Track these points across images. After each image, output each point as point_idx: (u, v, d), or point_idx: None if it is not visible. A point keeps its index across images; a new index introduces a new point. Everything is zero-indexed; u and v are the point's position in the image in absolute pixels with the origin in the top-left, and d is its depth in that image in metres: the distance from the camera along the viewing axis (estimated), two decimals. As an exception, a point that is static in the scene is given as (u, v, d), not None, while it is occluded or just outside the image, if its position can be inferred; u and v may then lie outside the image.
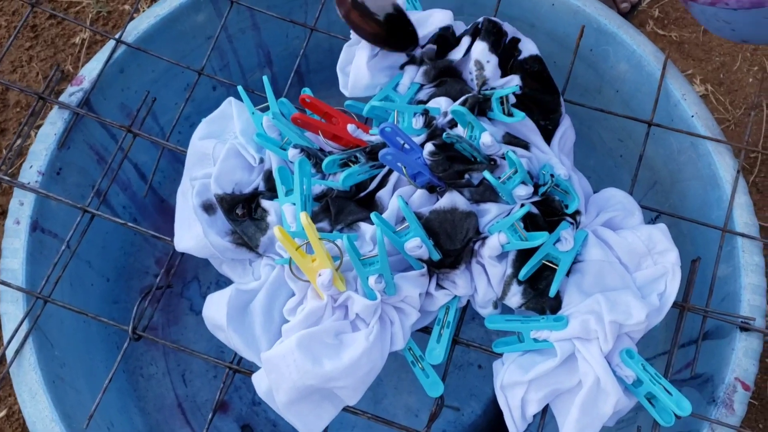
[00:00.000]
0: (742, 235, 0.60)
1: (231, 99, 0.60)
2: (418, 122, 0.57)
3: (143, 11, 0.77)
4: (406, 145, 0.52)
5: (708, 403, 0.56)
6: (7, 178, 0.58)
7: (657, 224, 0.55)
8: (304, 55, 0.85)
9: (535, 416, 0.53)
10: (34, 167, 0.60)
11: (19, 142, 0.60)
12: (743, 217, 0.61)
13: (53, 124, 0.62)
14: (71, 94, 0.63)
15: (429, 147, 0.52)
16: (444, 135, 0.53)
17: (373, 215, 0.50)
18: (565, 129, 0.61)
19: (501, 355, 0.54)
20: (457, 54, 0.61)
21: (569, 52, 0.71)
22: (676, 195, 0.70)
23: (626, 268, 0.55)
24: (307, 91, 0.60)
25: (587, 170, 0.63)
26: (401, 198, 0.51)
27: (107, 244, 0.74)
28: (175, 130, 0.77)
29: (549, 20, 0.73)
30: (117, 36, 0.65)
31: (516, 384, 0.52)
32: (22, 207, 0.58)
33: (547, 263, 0.53)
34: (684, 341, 0.63)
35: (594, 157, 0.81)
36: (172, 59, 0.65)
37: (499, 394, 0.53)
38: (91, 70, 0.64)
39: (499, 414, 0.84)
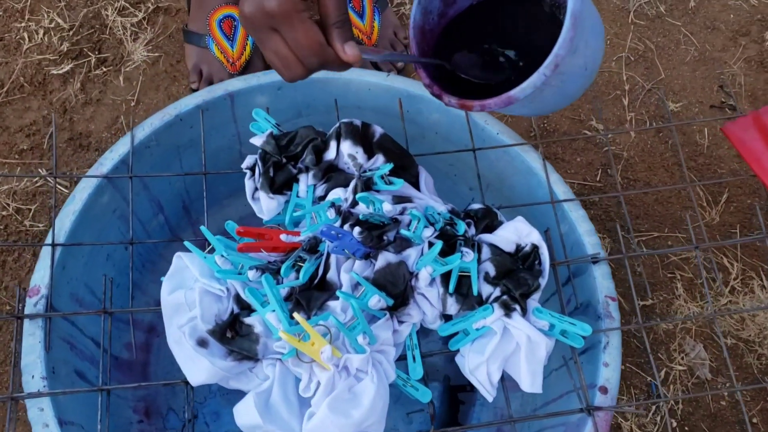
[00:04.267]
0: (565, 200, 0.80)
1: (179, 254, 0.69)
2: (331, 213, 0.70)
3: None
4: (339, 234, 0.65)
5: (596, 320, 0.75)
6: (22, 394, 0.62)
7: (516, 218, 0.73)
8: (185, 191, 0.94)
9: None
10: (35, 376, 0.65)
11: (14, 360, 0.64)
12: (560, 188, 0.81)
13: (33, 334, 0.67)
14: (35, 304, 0.68)
15: (357, 230, 0.66)
16: (360, 216, 0.67)
17: (339, 293, 0.63)
18: (425, 176, 0.78)
19: (457, 351, 0.69)
20: (330, 154, 0.75)
21: (391, 117, 0.88)
22: (506, 189, 0.90)
23: (510, 254, 0.72)
24: (231, 224, 0.71)
25: (437, 192, 0.80)
26: (354, 272, 0.65)
27: (92, 415, 0.78)
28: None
29: (370, 100, 0.90)
30: (49, 242, 0.72)
31: (479, 365, 0.67)
32: (43, 412, 0.63)
33: (462, 274, 0.69)
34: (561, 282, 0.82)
35: (437, 180, 0.99)
36: (91, 241, 0.74)
37: (470, 377, 0.68)
38: (42, 278, 0.70)
39: (448, 388, 0.99)
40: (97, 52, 1.21)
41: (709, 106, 1.26)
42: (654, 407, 1.00)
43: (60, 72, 1.18)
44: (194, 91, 1.18)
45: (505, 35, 0.77)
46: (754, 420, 1.01)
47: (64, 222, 0.73)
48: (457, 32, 0.78)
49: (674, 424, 0.70)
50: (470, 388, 1.02)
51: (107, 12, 1.25)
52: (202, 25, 1.19)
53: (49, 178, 1.06)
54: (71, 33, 1.22)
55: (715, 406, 1.00)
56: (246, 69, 1.18)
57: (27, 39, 1.21)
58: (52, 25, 1.23)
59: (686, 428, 0.98)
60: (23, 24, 1.23)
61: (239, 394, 0.66)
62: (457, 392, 1.02)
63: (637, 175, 1.17)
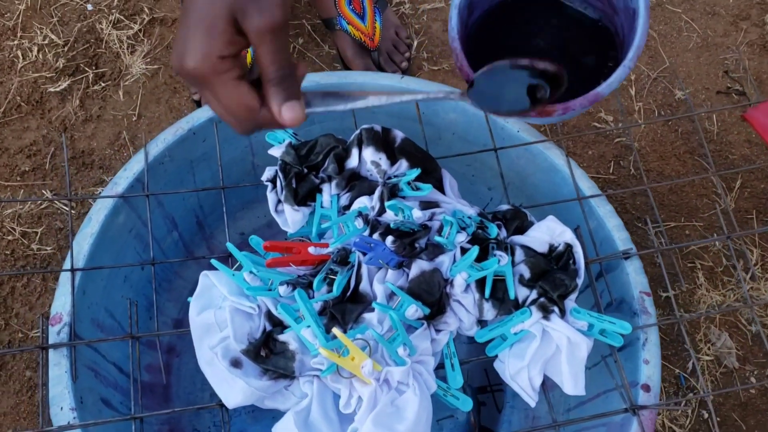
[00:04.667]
0: (591, 196, 0.78)
1: (205, 272, 0.67)
2: (359, 223, 0.68)
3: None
4: (372, 245, 0.63)
5: (632, 317, 0.73)
6: (53, 428, 0.60)
7: (548, 217, 0.71)
8: (199, 206, 0.92)
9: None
10: (64, 408, 0.62)
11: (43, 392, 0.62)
12: (585, 184, 0.79)
13: (58, 364, 0.64)
14: (58, 333, 0.66)
15: (390, 239, 0.64)
16: (391, 224, 0.65)
17: (376, 305, 0.61)
18: (449, 179, 0.76)
19: (495, 357, 0.68)
20: (353, 162, 0.73)
21: (405, 119, 0.87)
22: (528, 187, 0.88)
23: (543, 255, 0.71)
24: (257, 239, 0.68)
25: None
26: (389, 283, 0.63)
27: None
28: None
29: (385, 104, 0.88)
30: (69, 267, 0.69)
31: (520, 370, 0.66)
32: (75, 444, 0.61)
33: (496, 278, 0.67)
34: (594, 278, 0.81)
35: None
36: (110, 263, 0.71)
37: (511, 383, 0.66)
38: (63, 305, 0.67)
39: (473, 391, 0.97)
40: (94, 67, 1.18)
41: (716, 92, 1.25)
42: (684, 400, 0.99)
43: (57, 89, 1.15)
44: (196, 101, 1.16)
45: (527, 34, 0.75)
46: (784, 406, 1.00)
47: (82, 245, 0.71)
48: (476, 38, 0.75)
49: (705, 416, 0.69)
50: (490, 389, 1.00)
51: (102, 25, 1.22)
52: (200, 35, 1.16)
53: (61, 201, 1.04)
54: (66, 49, 1.19)
55: (746, 395, 0.99)
56: (248, 77, 1.16)
57: (21, 57, 1.18)
58: (46, 42, 1.20)
59: (718, 419, 0.97)
60: (16, 42, 1.20)
61: (265, 412, 0.63)
62: (476, 394, 1.00)
63: (649, 165, 1.16)
